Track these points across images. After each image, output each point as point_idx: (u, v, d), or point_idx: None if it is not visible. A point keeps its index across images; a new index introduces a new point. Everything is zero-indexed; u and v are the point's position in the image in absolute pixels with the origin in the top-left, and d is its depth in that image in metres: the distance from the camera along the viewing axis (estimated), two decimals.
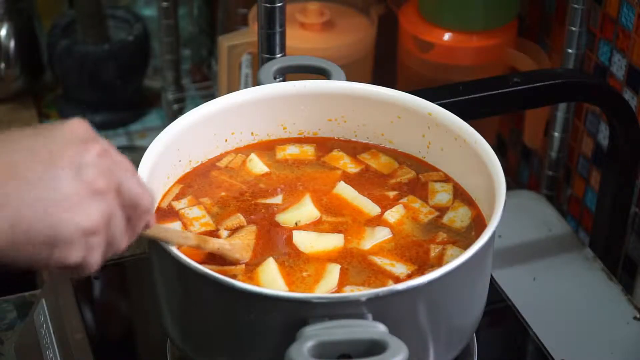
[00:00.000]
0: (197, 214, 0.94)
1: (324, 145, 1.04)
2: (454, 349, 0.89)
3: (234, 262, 0.89)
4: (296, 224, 0.94)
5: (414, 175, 1.01)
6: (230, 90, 1.19)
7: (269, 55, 1.13)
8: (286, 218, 0.95)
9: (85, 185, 0.72)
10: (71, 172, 0.72)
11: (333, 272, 0.88)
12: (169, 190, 0.97)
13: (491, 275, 0.94)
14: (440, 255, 0.90)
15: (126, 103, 1.73)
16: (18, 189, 0.69)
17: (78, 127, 0.75)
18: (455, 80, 1.15)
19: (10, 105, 1.70)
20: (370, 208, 0.96)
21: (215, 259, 0.90)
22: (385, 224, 0.94)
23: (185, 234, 0.89)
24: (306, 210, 0.95)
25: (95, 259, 0.74)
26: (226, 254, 0.89)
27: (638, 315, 1.14)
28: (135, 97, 1.75)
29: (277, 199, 0.97)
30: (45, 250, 0.71)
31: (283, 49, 1.14)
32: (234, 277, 0.86)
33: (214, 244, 0.89)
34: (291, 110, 1.03)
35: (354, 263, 0.90)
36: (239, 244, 0.91)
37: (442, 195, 0.98)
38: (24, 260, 0.71)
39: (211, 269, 0.82)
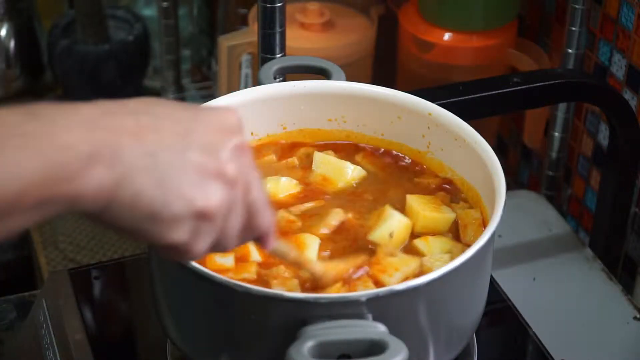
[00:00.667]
0: None
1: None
2: (454, 349, 0.89)
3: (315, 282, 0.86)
4: (390, 235, 0.91)
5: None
6: (230, 90, 1.19)
7: (269, 55, 1.13)
8: (378, 235, 0.91)
9: (214, 165, 0.65)
10: (202, 149, 0.65)
11: (313, 245, 0.88)
12: None
13: (491, 275, 0.94)
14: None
15: None
16: (136, 149, 0.62)
17: (228, 115, 0.69)
18: (455, 80, 1.15)
19: (10, 105, 1.69)
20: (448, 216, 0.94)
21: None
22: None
23: (295, 253, 0.84)
24: (397, 220, 0.92)
25: (200, 247, 0.67)
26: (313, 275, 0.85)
27: (638, 315, 1.14)
28: (135, 97, 1.75)
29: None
30: (146, 223, 0.64)
31: (283, 49, 1.14)
32: (225, 272, 0.86)
33: (309, 267, 0.85)
34: (291, 110, 1.03)
35: None
36: (327, 267, 0.86)
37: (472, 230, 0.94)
38: (121, 226, 0.63)
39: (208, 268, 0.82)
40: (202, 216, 0.65)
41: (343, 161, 1.00)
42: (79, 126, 0.62)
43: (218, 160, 0.66)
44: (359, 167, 1.00)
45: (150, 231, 0.65)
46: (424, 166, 1.01)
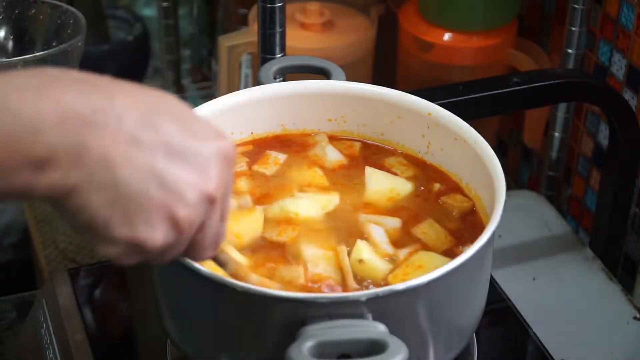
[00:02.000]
0: None
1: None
2: (454, 349, 0.89)
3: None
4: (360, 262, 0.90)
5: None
6: (230, 90, 1.19)
7: (269, 55, 1.13)
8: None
9: (171, 208, 0.64)
10: (166, 184, 0.64)
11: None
12: None
13: (491, 275, 0.94)
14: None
15: None
16: (98, 156, 0.60)
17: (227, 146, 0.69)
18: (455, 80, 1.15)
19: None
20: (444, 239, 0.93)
21: None
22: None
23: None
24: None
25: (129, 263, 0.67)
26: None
27: (638, 315, 1.14)
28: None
29: None
30: (83, 232, 0.63)
31: (283, 49, 1.14)
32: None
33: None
34: (291, 110, 1.03)
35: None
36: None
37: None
38: (65, 220, 0.64)
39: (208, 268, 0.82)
40: (138, 248, 0.65)
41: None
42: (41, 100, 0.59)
43: (176, 203, 0.64)
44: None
45: (86, 238, 0.64)
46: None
